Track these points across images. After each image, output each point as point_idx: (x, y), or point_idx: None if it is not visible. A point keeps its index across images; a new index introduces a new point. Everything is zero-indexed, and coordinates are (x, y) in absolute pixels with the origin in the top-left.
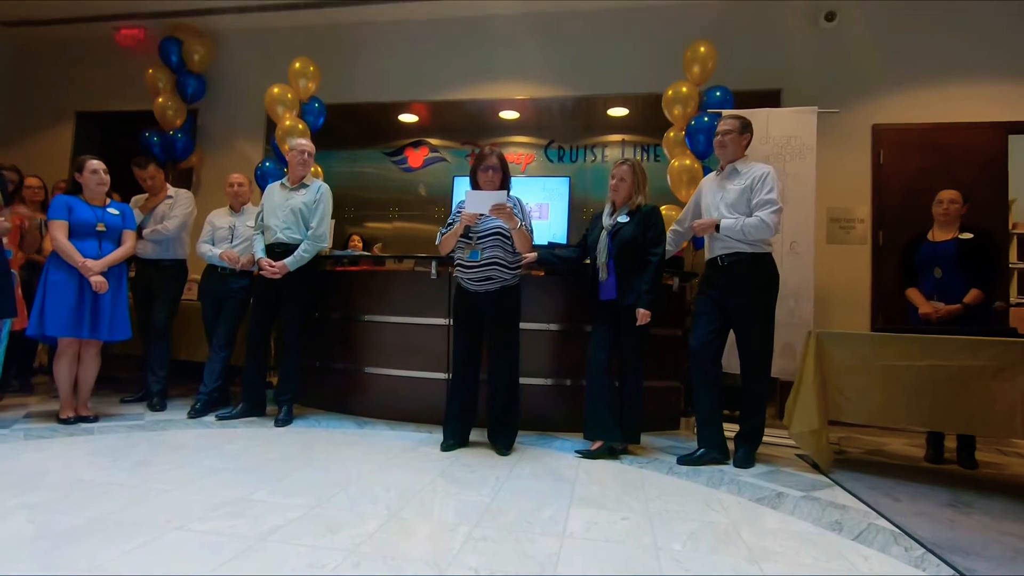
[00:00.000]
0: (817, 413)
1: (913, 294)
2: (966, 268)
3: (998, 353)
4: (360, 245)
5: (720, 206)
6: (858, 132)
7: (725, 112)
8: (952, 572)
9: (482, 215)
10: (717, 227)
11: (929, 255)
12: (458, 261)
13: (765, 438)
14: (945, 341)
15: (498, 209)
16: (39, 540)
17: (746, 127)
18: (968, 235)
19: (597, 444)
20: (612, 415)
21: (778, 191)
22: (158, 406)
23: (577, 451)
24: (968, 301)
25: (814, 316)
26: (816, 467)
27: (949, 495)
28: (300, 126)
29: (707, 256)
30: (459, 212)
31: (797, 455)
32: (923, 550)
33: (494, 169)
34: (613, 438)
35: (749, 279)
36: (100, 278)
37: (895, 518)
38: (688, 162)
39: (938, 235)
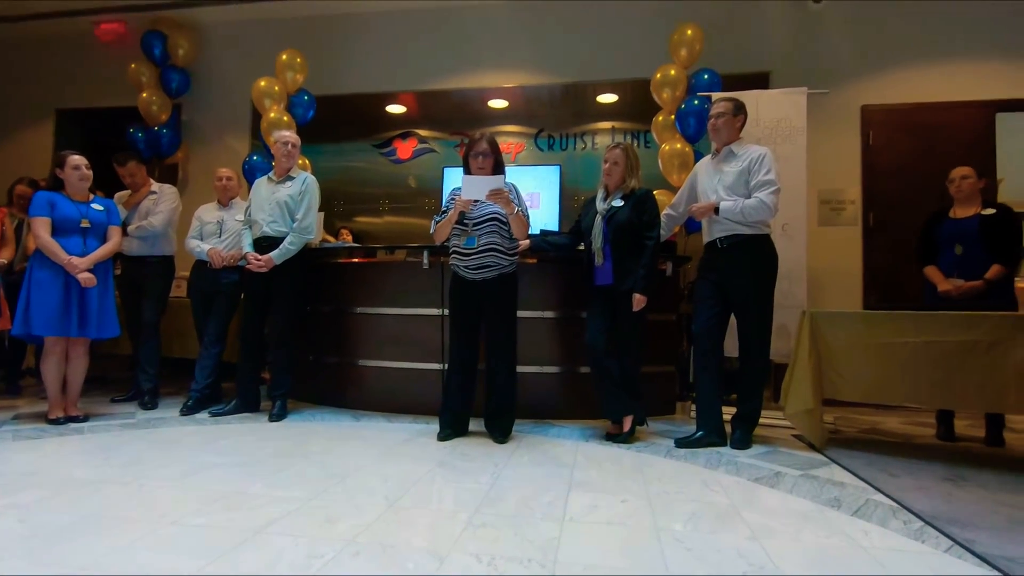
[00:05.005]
0: (812, 393)
1: (932, 272)
2: (988, 244)
3: (991, 327)
4: (350, 239)
5: (718, 188)
6: (847, 113)
7: (717, 95)
8: (951, 543)
9: (477, 201)
10: (716, 210)
11: (949, 232)
12: (454, 249)
13: (761, 419)
14: (938, 317)
15: (495, 194)
16: (31, 538)
17: (739, 109)
18: (991, 211)
19: (628, 420)
20: (626, 392)
21: (776, 172)
22: (150, 404)
23: (610, 439)
24: (989, 277)
25: (807, 298)
26: (812, 446)
27: (945, 469)
28: (285, 118)
29: (705, 239)
30: (453, 199)
31: (793, 435)
32: (922, 523)
33: (484, 155)
34: (636, 410)
35: (749, 261)
36: (88, 274)
37: (893, 493)
38: (679, 146)
39: (959, 212)
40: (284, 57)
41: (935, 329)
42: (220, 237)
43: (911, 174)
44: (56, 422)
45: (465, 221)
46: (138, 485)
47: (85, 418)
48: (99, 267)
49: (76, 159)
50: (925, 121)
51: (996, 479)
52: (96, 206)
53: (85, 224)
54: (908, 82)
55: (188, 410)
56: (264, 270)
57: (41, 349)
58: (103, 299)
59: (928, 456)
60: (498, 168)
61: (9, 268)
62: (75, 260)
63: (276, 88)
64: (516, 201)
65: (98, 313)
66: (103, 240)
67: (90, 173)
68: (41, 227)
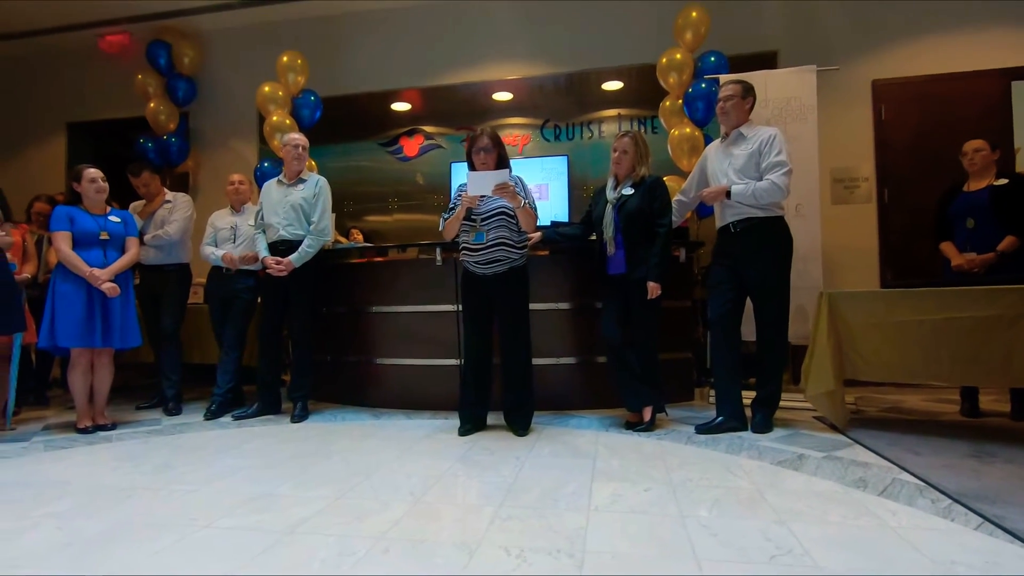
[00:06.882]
0: (832, 374)
1: (946, 247)
2: (1001, 215)
3: (1014, 301)
4: (361, 238)
5: (728, 172)
6: (858, 89)
7: (725, 77)
8: (981, 520)
9: (484, 196)
10: (728, 194)
11: (962, 206)
12: (463, 245)
13: (781, 402)
14: (959, 293)
15: (501, 188)
16: (69, 546)
17: (748, 91)
18: (1003, 181)
19: (648, 410)
20: (644, 382)
21: (787, 152)
22: (174, 410)
23: (630, 428)
24: (1002, 249)
25: (823, 277)
26: (834, 428)
27: (970, 447)
28: (288, 121)
29: (718, 224)
30: (460, 195)
31: (814, 417)
32: (950, 501)
33: (486, 150)
34: (655, 400)
35: (763, 244)
36: (112, 283)
37: (919, 471)
38: (688, 131)
39: (972, 185)
40: (285, 59)
41: (955, 305)
42: (234, 243)
43: (926, 148)
44: (85, 431)
45: (473, 217)
46: (168, 490)
47: (113, 426)
48: (119, 277)
49: (92, 172)
50: (938, 93)
51: (1023, 455)
52: (114, 218)
53: (104, 236)
54: (919, 54)
55: (212, 415)
56: (284, 274)
57: (67, 361)
58: (125, 309)
59: (953, 433)
60: (501, 162)
61: (33, 282)
62: (97, 272)
63: (280, 93)
64: (522, 194)
65: (121, 323)
66: (122, 251)
67: (106, 185)
68: (62, 241)
